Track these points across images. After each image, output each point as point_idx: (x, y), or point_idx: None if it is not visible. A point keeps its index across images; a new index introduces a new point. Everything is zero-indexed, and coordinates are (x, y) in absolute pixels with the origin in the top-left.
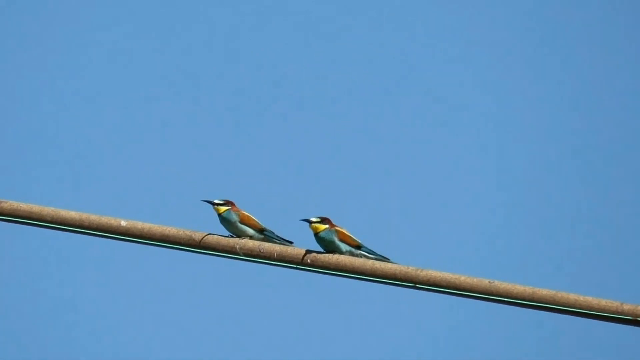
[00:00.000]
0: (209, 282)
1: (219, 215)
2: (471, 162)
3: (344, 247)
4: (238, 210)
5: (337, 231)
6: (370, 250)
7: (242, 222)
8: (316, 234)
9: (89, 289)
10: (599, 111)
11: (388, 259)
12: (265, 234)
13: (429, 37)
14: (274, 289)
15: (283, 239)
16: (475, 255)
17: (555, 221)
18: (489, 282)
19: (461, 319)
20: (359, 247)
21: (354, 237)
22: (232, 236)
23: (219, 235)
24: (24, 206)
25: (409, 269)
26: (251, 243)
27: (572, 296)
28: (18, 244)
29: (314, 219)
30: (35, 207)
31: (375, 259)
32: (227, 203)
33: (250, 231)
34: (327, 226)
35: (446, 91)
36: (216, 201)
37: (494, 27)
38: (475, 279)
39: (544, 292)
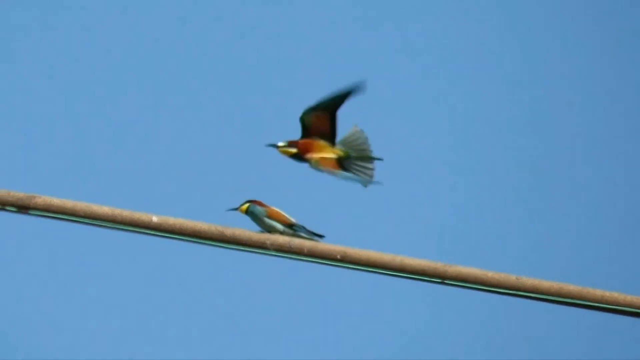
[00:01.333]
0: (239, 277)
1: (247, 212)
2: (493, 156)
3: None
4: (265, 206)
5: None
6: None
7: (269, 217)
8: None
9: (121, 284)
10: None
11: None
12: (294, 229)
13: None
14: (305, 284)
15: (314, 233)
16: (500, 250)
17: (581, 217)
18: (516, 278)
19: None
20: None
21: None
22: (262, 232)
23: (250, 231)
24: (57, 201)
25: (438, 265)
26: (282, 239)
27: (599, 292)
28: (51, 239)
29: (281, 143)
30: (68, 202)
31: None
32: (252, 202)
33: (280, 227)
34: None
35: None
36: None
37: (484, 22)
38: (502, 275)
39: (570, 287)
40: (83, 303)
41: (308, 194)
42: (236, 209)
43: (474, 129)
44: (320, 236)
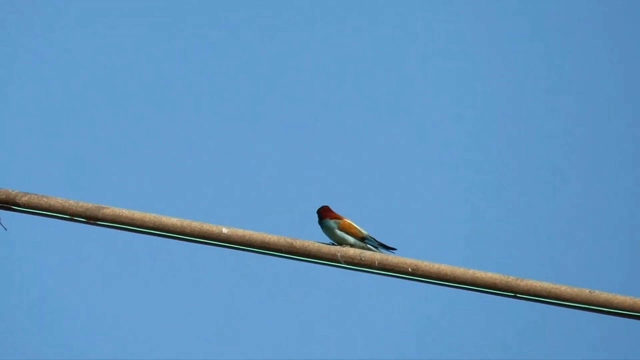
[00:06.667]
0: (309, 289)
1: (319, 223)
2: (566, 172)
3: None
4: (339, 218)
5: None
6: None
7: (341, 230)
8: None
9: (191, 295)
10: None
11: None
12: (366, 242)
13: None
14: (375, 296)
15: (385, 246)
16: (573, 263)
17: None
18: (589, 291)
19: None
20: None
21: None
22: (333, 244)
23: (320, 242)
24: (125, 212)
25: (510, 279)
26: (352, 251)
27: None
28: (120, 250)
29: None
30: (137, 214)
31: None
32: (322, 211)
33: (351, 239)
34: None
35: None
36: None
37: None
38: (575, 289)
39: None
40: (154, 315)
41: (380, 206)
42: (323, 218)
43: (542, 144)
44: (392, 249)
